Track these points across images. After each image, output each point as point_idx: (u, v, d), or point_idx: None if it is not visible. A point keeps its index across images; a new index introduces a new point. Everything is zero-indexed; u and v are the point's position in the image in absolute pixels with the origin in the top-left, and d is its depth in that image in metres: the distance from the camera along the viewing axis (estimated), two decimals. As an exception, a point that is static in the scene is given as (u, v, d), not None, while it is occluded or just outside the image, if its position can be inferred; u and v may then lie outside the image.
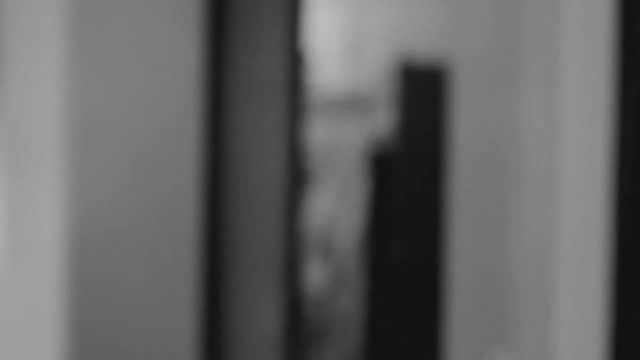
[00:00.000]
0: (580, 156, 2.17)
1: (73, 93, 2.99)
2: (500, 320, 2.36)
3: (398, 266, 5.32)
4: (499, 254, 2.36)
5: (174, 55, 3.16)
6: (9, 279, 3.08)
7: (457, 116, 2.45)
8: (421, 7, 5.91)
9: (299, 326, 4.27)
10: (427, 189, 5.13)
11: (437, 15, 5.71)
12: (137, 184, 3.09)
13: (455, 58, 2.52)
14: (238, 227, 3.49)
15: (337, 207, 6.01)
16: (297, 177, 3.86)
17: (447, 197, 2.50)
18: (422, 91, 5.28)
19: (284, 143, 3.59)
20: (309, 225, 5.71)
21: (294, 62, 3.72)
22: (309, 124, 5.35)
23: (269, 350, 3.55)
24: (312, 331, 5.73)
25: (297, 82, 3.83)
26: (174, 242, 3.25)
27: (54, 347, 3.01)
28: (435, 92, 5.08)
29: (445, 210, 2.73)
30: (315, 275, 5.87)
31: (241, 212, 3.48)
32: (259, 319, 3.54)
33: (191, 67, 3.22)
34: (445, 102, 3.89)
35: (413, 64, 5.38)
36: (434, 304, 5.03)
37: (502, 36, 2.41)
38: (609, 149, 2.14)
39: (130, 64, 3.04)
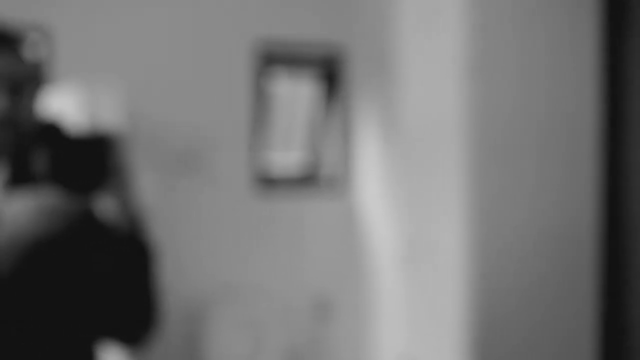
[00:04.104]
0: None
1: (473, 94, 3.01)
2: None
3: None
4: None
5: (572, 54, 3.08)
6: (414, 278, 3.19)
7: None
8: None
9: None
10: None
11: None
12: (537, 182, 3.04)
13: None
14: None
15: None
16: None
17: None
18: None
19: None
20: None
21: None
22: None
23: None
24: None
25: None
26: (574, 245, 3.14)
27: (459, 344, 3.06)
28: None
29: None
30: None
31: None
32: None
33: (590, 66, 3.10)
34: None
35: None
36: None
37: None
38: None
39: (526, 62, 3.01)
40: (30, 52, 1.91)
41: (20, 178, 1.82)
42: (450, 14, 2.94)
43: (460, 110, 2.91)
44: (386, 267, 4.27)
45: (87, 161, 1.82)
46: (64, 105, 3.28)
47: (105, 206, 1.84)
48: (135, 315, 1.92)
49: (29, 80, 1.89)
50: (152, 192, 3.90)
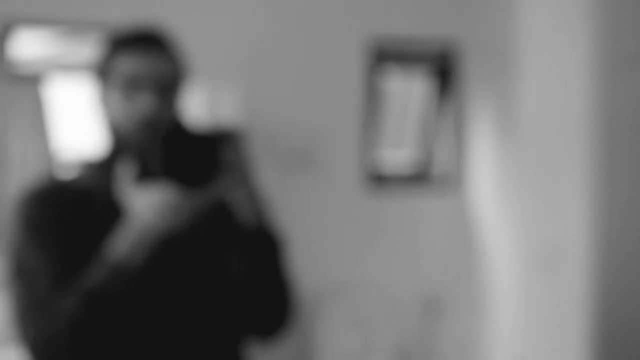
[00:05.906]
0: None
1: (602, 94, 2.95)
2: None
3: None
4: None
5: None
6: (534, 280, 3.14)
7: None
8: None
9: None
10: None
11: None
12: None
13: None
14: None
15: None
16: None
17: None
18: None
19: None
20: None
21: None
22: None
23: None
24: None
25: None
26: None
27: (579, 351, 3.00)
28: None
29: None
30: None
31: None
32: None
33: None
34: None
35: None
36: None
37: None
38: None
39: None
40: (175, 54, 1.94)
41: (143, 174, 1.84)
42: (580, 13, 2.88)
43: (587, 109, 2.84)
44: (500, 266, 4.22)
45: (205, 157, 1.83)
46: (186, 103, 3.32)
47: (229, 201, 1.85)
48: (273, 309, 1.92)
49: (174, 81, 1.92)
50: (266, 189, 3.93)
